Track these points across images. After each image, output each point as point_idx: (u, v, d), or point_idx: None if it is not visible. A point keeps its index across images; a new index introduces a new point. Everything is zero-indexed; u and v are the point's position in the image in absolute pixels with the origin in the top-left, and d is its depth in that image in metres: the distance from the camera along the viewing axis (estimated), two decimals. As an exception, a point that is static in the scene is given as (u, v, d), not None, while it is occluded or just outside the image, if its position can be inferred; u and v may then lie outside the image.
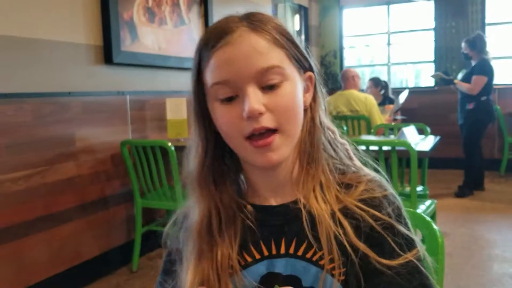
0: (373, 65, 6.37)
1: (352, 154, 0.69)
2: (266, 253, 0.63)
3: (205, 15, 3.36)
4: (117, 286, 2.42)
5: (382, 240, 0.58)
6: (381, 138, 2.72)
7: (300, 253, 0.61)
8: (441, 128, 4.53)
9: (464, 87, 3.99)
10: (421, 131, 2.99)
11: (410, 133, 2.69)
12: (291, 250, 0.62)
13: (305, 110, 0.64)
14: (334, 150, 0.67)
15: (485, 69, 3.90)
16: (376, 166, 0.69)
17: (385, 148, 2.21)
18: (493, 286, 2.30)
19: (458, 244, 2.88)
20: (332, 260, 0.58)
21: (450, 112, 5.00)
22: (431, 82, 5.63)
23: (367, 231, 0.59)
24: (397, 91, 4.80)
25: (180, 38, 3.14)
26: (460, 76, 4.32)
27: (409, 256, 0.57)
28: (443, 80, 4.27)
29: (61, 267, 2.28)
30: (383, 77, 5.54)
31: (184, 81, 3.00)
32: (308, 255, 0.60)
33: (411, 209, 0.83)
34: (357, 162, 0.68)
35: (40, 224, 2.16)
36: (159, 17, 2.93)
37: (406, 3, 5.71)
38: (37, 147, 2.15)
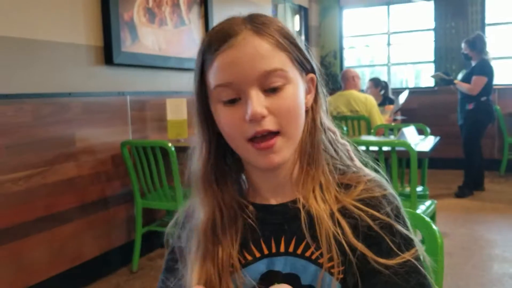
0: (373, 66, 6.37)
1: (352, 155, 0.69)
2: (266, 251, 0.64)
3: (205, 16, 3.37)
4: (117, 286, 2.42)
5: (380, 240, 0.59)
6: (381, 139, 2.73)
7: (299, 251, 0.62)
8: (441, 129, 4.54)
9: (464, 87, 3.99)
10: (421, 132, 2.99)
11: (410, 134, 2.69)
12: (291, 249, 0.62)
13: (306, 111, 0.64)
14: (335, 150, 0.68)
15: (485, 70, 3.90)
16: (376, 166, 0.69)
17: (385, 148, 2.21)
18: (493, 286, 2.30)
19: (458, 244, 2.88)
20: (331, 259, 0.59)
21: (450, 113, 5.01)
22: (431, 83, 5.63)
23: (365, 230, 0.59)
24: (397, 92, 4.81)
25: (180, 38, 3.14)
26: (460, 76, 4.33)
27: (407, 255, 0.58)
28: (443, 80, 4.27)
29: (61, 267, 2.28)
30: (383, 78, 5.55)
31: (184, 81, 3.00)
32: (307, 254, 0.61)
33: (410, 210, 0.83)
34: (357, 163, 0.69)
35: (40, 225, 2.17)
36: (159, 18, 2.94)
37: (406, 4, 5.71)
38: (37, 148, 2.15)
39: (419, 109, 5.35)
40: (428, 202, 2.35)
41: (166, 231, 0.72)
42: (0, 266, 1.98)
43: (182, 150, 2.61)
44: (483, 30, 5.11)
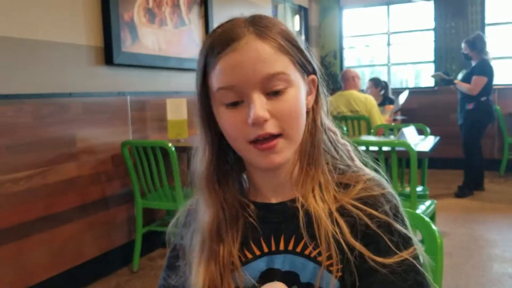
0: (373, 66, 6.38)
1: (353, 155, 0.70)
2: (266, 249, 0.64)
3: (205, 16, 3.37)
4: (117, 286, 2.42)
5: (377, 238, 0.59)
6: (381, 139, 2.73)
7: (298, 249, 0.62)
8: (441, 129, 4.54)
9: (464, 87, 3.99)
10: (420, 132, 3.00)
11: (410, 134, 2.69)
12: (290, 247, 0.63)
13: (307, 112, 0.65)
14: (336, 150, 0.68)
15: (485, 70, 3.90)
16: (376, 166, 0.70)
17: (385, 148, 2.21)
18: (492, 286, 2.30)
19: (458, 244, 2.88)
20: (329, 257, 0.59)
21: (450, 113, 5.01)
22: (431, 83, 5.64)
23: (363, 229, 0.60)
24: (397, 92, 4.81)
25: (181, 39, 3.15)
26: (460, 76, 4.33)
27: (405, 254, 0.58)
28: (443, 80, 4.28)
29: (61, 268, 2.29)
30: (383, 78, 5.55)
31: (185, 81, 3.00)
32: (307, 252, 0.62)
33: (410, 210, 0.83)
34: (358, 163, 0.69)
35: (41, 225, 2.17)
36: (159, 18, 2.94)
37: (405, 4, 5.71)
38: (37, 148, 2.15)
39: (419, 109, 5.35)
40: (428, 202, 2.36)
41: (167, 229, 0.73)
42: (1, 266, 1.98)
43: (182, 150, 2.61)
44: (483, 30, 5.12)
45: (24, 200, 2.08)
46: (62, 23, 2.27)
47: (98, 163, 2.50)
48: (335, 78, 5.67)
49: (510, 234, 3.07)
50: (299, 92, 0.61)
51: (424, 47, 5.66)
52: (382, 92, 4.72)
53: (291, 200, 0.64)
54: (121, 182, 2.67)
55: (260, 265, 0.64)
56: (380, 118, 3.71)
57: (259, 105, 0.58)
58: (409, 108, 5.02)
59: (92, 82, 2.45)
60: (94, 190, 2.49)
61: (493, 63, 3.99)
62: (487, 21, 5.21)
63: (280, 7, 5.24)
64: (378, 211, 0.60)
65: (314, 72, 0.66)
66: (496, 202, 3.83)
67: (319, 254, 0.60)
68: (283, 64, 0.59)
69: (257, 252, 0.65)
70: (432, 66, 5.50)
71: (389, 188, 0.64)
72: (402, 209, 0.63)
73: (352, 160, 0.69)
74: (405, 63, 6.22)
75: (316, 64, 0.66)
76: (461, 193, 4.04)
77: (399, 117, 4.57)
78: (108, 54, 2.52)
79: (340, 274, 0.60)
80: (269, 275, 0.64)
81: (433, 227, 0.79)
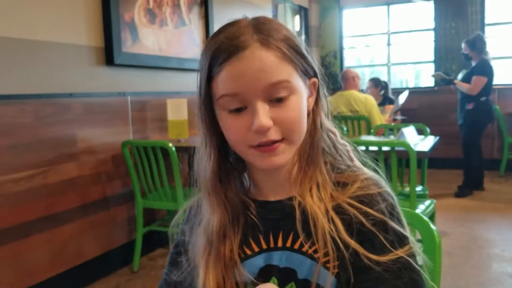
0: (373, 66, 6.38)
1: (352, 155, 0.71)
2: (264, 246, 0.66)
3: (206, 16, 3.38)
4: (118, 286, 2.43)
5: (372, 236, 0.60)
6: (380, 139, 2.73)
7: (296, 246, 0.64)
8: (441, 128, 4.54)
9: (464, 87, 4.00)
10: (420, 132, 3.00)
11: (410, 134, 2.70)
12: (288, 244, 0.64)
13: (308, 114, 0.66)
14: (335, 151, 0.69)
15: (485, 70, 3.91)
16: (375, 166, 0.70)
17: (384, 148, 2.22)
18: (492, 285, 2.31)
19: (458, 243, 2.89)
20: (326, 254, 0.60)
21: (450, 112, 5.02)
22: (431, 83, 5.64)
23: (358, 227, 0.61)
24: (397, 92, 4.82)
25: (181, 39, 3.15)
26: (460, 76, 4.33)
27: (400, 252, 0.58)
28: (444, 80, 4.29)
29: (62, 267, 2.29)
30: (383, 78, 5.56)
31: (185, 82, 3.00)
32: (304, 249, 0.63)
33: (409, 209, 0.84)
34: (357, 163, 0.70)
35: (41, 225, 2.18)
36: (159, 18, 2.95)
37: (406, 4, 5.72)
38: (38, 148, 2.16)
39: (419, 109, 5.36)
40: (427, 202, 2.36)
41: (170, 226, 0.75)
42: (1, 266, 1.99)
43: (182, 150, 2.62)
44: (482, 30, 5.12)
45: (24, 200, 2.09)
46: (62, 23, 2.28)
47: (98, 163, 2.51)
48: (335, 78, 5.67)
49: (509, 234, 3.08)
50: (301, 99, 0.62)
51: (424, 47, 5.67)
52: (382, 92, 4.73)
53: (288, 198, 0.66)
54: (122, 182, 2.67)
55: (259, 261, 0.66)
56: (380, 118, 3.72)
57: (263, 114, 0.58)
58: (409, 108, 5.03)
59: (92, 82, 2.46)
60: (95, 190, 2.49)
61: (493, 63, 3.99)
62: (487, 21, 5.22)
63: (280, 7, 5.25)
64: (374, 209, 0.61)
65: (315, 75, 0.67)
66: (496, 202, 3.83)
67: (316, 251, 0.62)
68: (287, 73, 0.60)
69: (256, 249, 0.66)
70: (432, 66, 5.51)
71: (386, 187, 0.65)
72: (399, 208, 0.64)
73: (352, 160, 0.70)
74: (405, 63, 6.22)
75: (317, 66, 0.67)
76: (461, 193, 4.04)
77: (399, 117, 4.58)
78: (108, 55, 2.53)
79: (336, 270, 0.61)
80: (267, 271, 0.65)
81: (432, 226, 0.80)
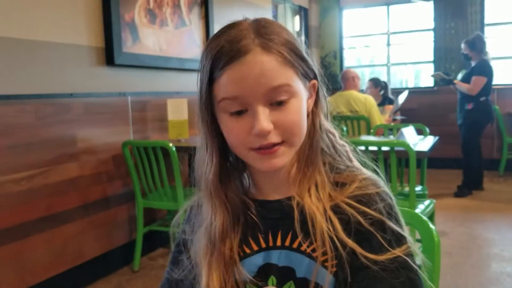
0: (373, 66, 6.39)
1: (351, 156, 0.71)
2: (263, 245, 0.67)
3: (206, 17, 3.38)
4: (118, 286, 2.44)
5: (370, 236, 0.60)
6: (380, 139, 2.74)
7: (295, 245, 0.64)
8: (440, 128, 4.55)
9: (463, 87, 4.01)
10: (420, 132, 3.01)
11: (409, 134, 2.70)
12: (287, 243, 0.65)
13: (307, 115, 0.66)
14: (335, 152, 0.70)
15: (485, 70, 3.92)
16: (374, 166, 0.71)
17: (384, 148, 2.23)
18: (491, 285, 2.32)
19: (457, 243, 2.90)
20: (324, 253, 0.61)
21: (449, 112, 5.02)
22: (430, 83, 5.65)
23: (356, 226, 0.61)
24: (397, 92, 4.82)
25: (181, 39, 3.16)
26: (459, 76, 4.34)
27: (397, 252, 0.59)
28: (443, 80, 4.29)
29: (63, 267, 2.30)
30: (383, 78, 5.56)
31: (185, 82, 3.01)
32: (302, 248, 0.63)
33: (408, 209, 0.85)
34: (356, 163, 0.70)
35: (42, 225, 2.18)
36: (160, 19, 2.95)
37: (405, 4, 5.73)
38: (39, 148, 2.16)
39: (419, 109, 5.36)
40: (427, 202, 2.37)
41: (171, 225, 0.76)
42: (2, 266, 2.00)
43: (183, 150, 2.62)
44: (482, 30, 5.13)
45: (25, 200, 2.10)
46: (63, 23, 2.28)
47: (99, 163, 2.51)
48: (335, 78, 5.68)
49: (508, 233, 3.09)
50: (301, 101, 0.63)
51: (423, 47, 5.67)
52: (382, 92, 4.73)
53: (287, 198, 0.66)
54: (122, 182, 2.68)
55: (258, 260, 0.66)
56: (379, 118, 3.73)
57: (263, 118, 0.59)
58: (409, 108, 5.04)
59: (93, 82, 2.47)
60: (95, 190, 2.50)
61: (492, 63, 4.00)
62: (486, 21, 5.22)
63: (280, 7, 5.25)
64: (372, 209, 0.62)
65: (315, 77, 0.67)
66: (495, 202, 3.84)
67: (314, 250, 0.62)
68: (287, 77, 0.61)
69: (255, 248, 0.67)
70: (431, 66, 5.51)
71: (385, 187, 0.65)
72: (397, 208, 0.64)
73: (350, 160, 0.70)
74: (405, 63, 6.23)
75: (317, 68, 0.67)
76: (460, 192, 4.05)
77: (398, 117, 4.58)
78: (109, 55, 2.53)
79: (334, 269, 0.61)
80: (266, 270, 0.66)
81: (431, 226, 0.80)
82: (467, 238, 2.99)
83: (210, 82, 0.61)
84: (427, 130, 3.04)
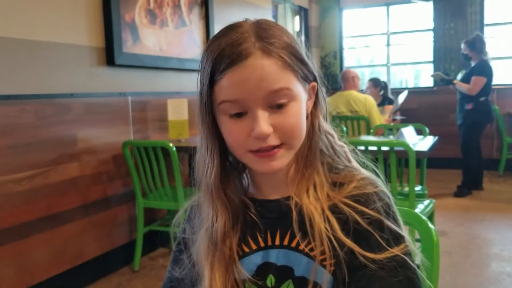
0: (373, 66, 6.40)
1: (350, 156, 0.72)
2: (262, 244, 0.67)
3: (206, 17, 3.38)
4: (118, 286, 2.44)
5: (368, 235, 0.61)
6: (380, 139, 2.74)
7: (293, 245, 0.65)
8: (440, 128, 4.56)
9: (463, 87, 4.01)
10: (419, 132, 3.01)
11: (409, 134, 2.71)
12: (285, 242, 0.66)
13: (306, 117, 0.66)
14: (334, 153, 0.70)
15: (485, 70, 3.92)
16: (373, 166, 0.71)
17: (384, 148, 2.23)
18: (491, 284, 2.32)
19: (457, 243, 2.90)
20: (322, 252, 0.62)
21: (449, 112, 5.03)
22: (430, 83, 5.65)
23: (354, 226, 0.62)
24: (397, 92, 4.83)
25: (181, 39, 3.16)
26: (459, 76, 4.35)
27: (395, 250, 0.59)
28: (443, 80, 4.30)
29: (63, 267, 2.30)
30: (383, 78, 5.57)
31: (185, 82, 3.01)
32: (301, 247, 0.64)
33: (407, 208, 0.85)
34: (355, 164, 0.71)
35: (42, 225, 2.19)
36: (160, 19, 2.96)
37: (405, 4, 5.73)
38: (39, 148, 2.17)
39: (419, 109, 5.37)
40: (426, 202, 2.38)
41: (172, 225, 0.77)
42: (3, 266, 2.00)
43: (183, 150, 2.63)
44: (482, 30, 5.13)
45: (26, 200, 2.10)
46: (63, 24, 2.29)
47: (99, 163, 2.52)
48: (335, 78, 5.69)
49: (508, 233, 3.09)
50: (301, 104, 0.63)
51: (423, 47, 5.68)
52: (382, 92, 4.74)
53: (286, 198, 0.67)
54: (122, 182, 2.69)
55: (257, 259, 0.67)
56: (379, 118, 3.73)
57: (263, 121, 0.59)
58: (409, 108, 5.04)
59: (93, 82, 2.47)
60: (96, 190, 2.50)
61: (492, 64, 4.00)
62: (486, 21, 5.23)
63: (280, 7, 5.26)
64: (370, 208, 0.62)
65: (315, 79, 0.67)
66: (495, 202, 3.84)
67: (312, 249, 0.63)
68: (287, 80, 0.61)
69: (254, 247, 0.68)
70: (431, 67, 5.52)
71: (383, 187, 0.66)
72: (395, 208, 0.65)
73: (349, 161, 0.71)
74: (405, 64, 6.24)
75: (316, 71, 0.67)
76: (460, 192, 4.06)
77: (398, 117, 4.59)
78: (109, 55, 2.54)
79: (333, 268, 0.62)
80: (265, 268, 0.66)
81: (430, 225, 0.80)
82: (467, 238, 3.00)
83: (210, 84, 0.61)
84: (427, 130, 3.05)
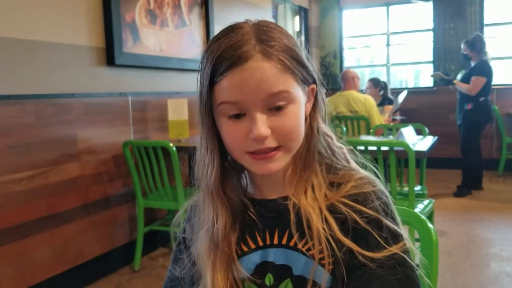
0: (373, 66, 6.40)
1: (348, 157, 0.72)
2: (261, 243, 0.68)
3: (206, 17, 3.39)
4: (119, 286, 2.44)
5: (366, 234, 0.61)
6: (379, 139, 2.75)
7: (291, 244, 0.65)
8: (440, 128, 4.56)
9: (463, 87, 4.02)
10: (419, 132, 3.02)
11: (408, 134, 2.71)
12: (284, 241, 0.66)
13: (305, 118, 0.67)
14: (332, 154, 0.71)
15: (484, 70, 3.93)
16: (372, 166, 0.72)
17: (383, 148, 2.23)
18: (490, 284, 2.32)
19: (456, 243, 2.91)
20: (321, 251, 0.62)
21: (449, 113, 5.03)
22: (430, 83, 5.66)
23: (353, 225, 0.62)
24: (397, 92, 4.83)
25: (181, 39, 3.17)
26: (459, 76, 4.35)
27: (394, 249, 0.60)
28: (443, 80, 4.30)
29: (63, 267, 2.31)
30: (383, 78, 5.57)
31: (185, 82, 3.01)
32: (299, 246, 0.65)
33: (406, 208, 0.85)
34: (353, 164, 0.71)
35: (42, 225, 2.19)
36: (160, 19, 2.96)
37: (405, 4, 5.74)
38: (40, 148, 2.17)
39: (418, 109, 5.38)
40: (426, 201, 2.38)
41: (172, 225, 0.77)
42: (3, 266, 2.00)
43: (183, 150, 2.63)
44: (481, 30, 5.14)
45: (26, 200, 2.10)
46: (64, 24, 2.29)
47: (99, 163, 2.52)
48: (335, 79, 5.69)
49: (507, 233, 3.10)
50: (299, 107, 0.63)
51: (423, 47, 5.68)
52: (381, 92, 4.74)
53: (284, 198, 0.67)
54: (123, 182, 2.69)
55: (255, 258, 0.68)
56: (379, 118, 3.74)
57: (261, 123, 0.60)
58: (409, 108, 5.05)
59: (93, 82, 2.48)
60: (96, 190, 2.51)
61: (492, 64, 4.01)
62: (486, 21, 5.23)
63: (280, 7, 5.26)
64: (368, 207, 0.62)
65: (314, 81, 0.68)
66: (494, 202, 3.85)
67: (310, 248, 0.63)
68: (287, 83, 0.61)
69: (253, 246, 0.68)
70: (431, 67, 5.52)
71: (381, 186, 0.66)
72: (393, 207, 0.65)
73: (348, 162, 0.71)
74: (405, 64, 6.24)
75: (316, 73, 0.68)
76: (460, 192, 4.06)
77: (398, 117, 4.59)
78: (109, 55, 2.54)
79: (331, 267, 0.62)
80: (263, 267, 0.67)
81: (429, 225, 0.81)
82: (466, 238, 3.00)
83: (210, 85, 0.62)
84: (426, 130, 3.05)
